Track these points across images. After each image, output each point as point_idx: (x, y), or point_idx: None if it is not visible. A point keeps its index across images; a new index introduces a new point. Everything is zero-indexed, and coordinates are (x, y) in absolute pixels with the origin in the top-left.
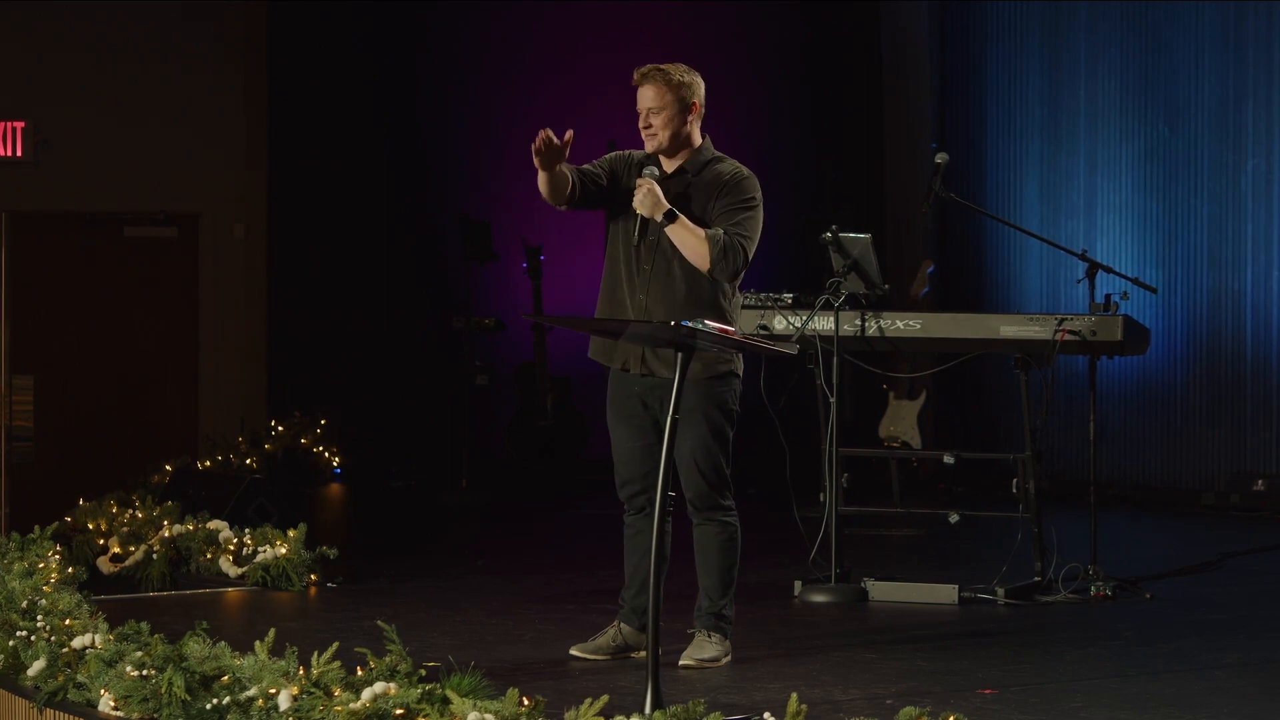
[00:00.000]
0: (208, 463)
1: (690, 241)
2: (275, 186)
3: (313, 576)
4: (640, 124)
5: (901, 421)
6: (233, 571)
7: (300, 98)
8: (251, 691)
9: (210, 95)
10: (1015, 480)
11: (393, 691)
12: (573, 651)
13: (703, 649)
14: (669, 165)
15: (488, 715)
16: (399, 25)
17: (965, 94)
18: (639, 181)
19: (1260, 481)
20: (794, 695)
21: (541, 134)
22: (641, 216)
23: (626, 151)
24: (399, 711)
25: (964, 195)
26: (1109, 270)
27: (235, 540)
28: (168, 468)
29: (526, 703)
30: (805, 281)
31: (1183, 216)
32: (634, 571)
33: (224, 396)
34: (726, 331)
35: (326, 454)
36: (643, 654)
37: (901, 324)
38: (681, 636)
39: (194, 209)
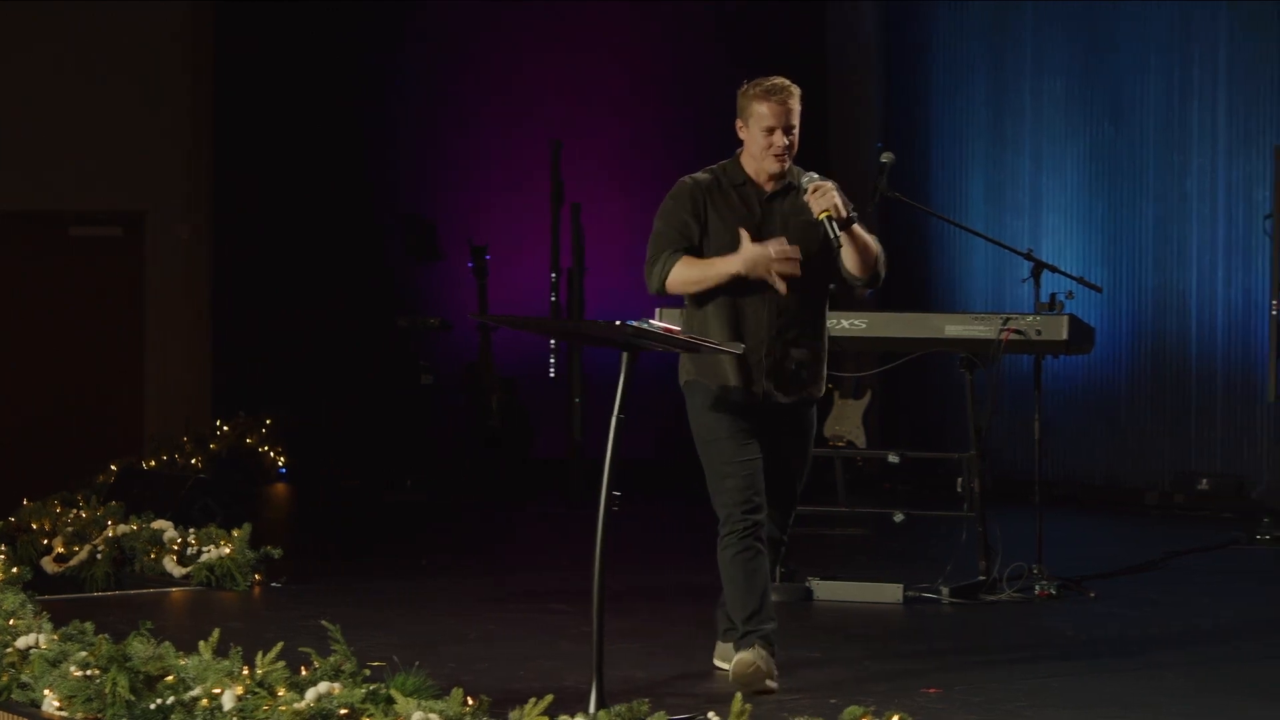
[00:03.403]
0: (152, 462)
1: (868, 247)
2: (220, 186)
3: (257, 576)
4: (773, 140)
5: (846, 421)
6: (177, 571)
7: (246, 98)
8: (196, 691)
9: (156, 95)
10: (960, 479)
11: (337, 691)
12: (730, 665)
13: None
14: (769, 183)
15: (432, 715)
16: (346, 26)
17: (911, 93)
18: (816, 184)
19: (1204, 481)
20: (738, 694)
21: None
22: (830, 220)
23: (686, 183)
24: (343, 711)
25: (909, 194)
26: (1054, 270)
27: (180, 540)
28: (113, 467)
29: (471, 702)
30: None
31: (1128, 216)
32: (762, 594)
33: (169, 396)
34: (672, 331)
35: (271, 454)
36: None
37: (846, 323)
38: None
39: (139, 208)
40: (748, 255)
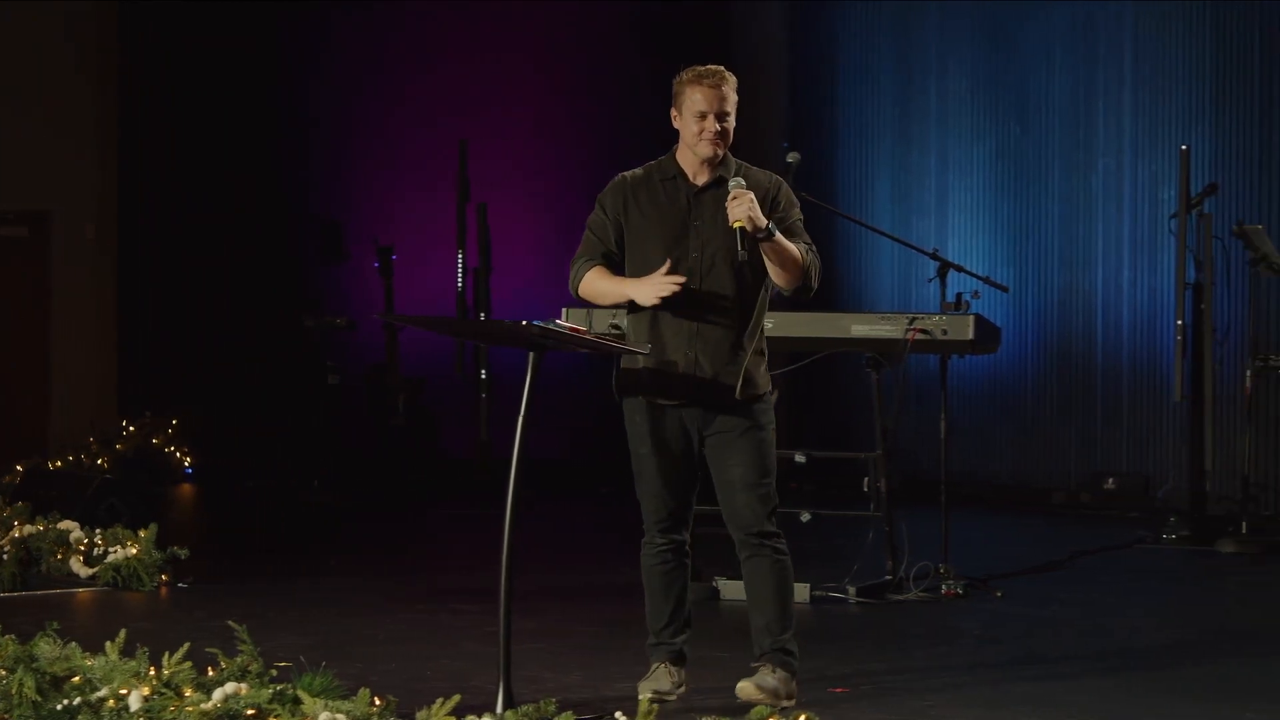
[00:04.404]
0: (58, 463)
1: (789, 258)
2: (127, 186)
3: (164, 577)
4: (704, 126)
5: None
6: (83, 572)
7: (152, 98)
8: (103, 692)
9: (60, 94)
10: (867, 479)
11: (244, 692)
12: (646, 696)
13: (765, 679)
14: (701, 175)
15: (339, 715)
16: (253, 26)
17: (817, 93)
18: (737, 192)
19: (1111, 480)
20: (644, 695)
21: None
22: (742, 232)
23: (616, 180)
24: (250, 712)
25: (816, 195)
26: (960, 269)
27: (86, 541)
28: (18, 468)
29: (378, 702)
30: None
31: (1034, 216)
32: (675, 610)
33: (75, 396)
34: (578, 331)
35: (178, 454)
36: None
37: None
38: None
39: (45, 208)
40: (641, 289)
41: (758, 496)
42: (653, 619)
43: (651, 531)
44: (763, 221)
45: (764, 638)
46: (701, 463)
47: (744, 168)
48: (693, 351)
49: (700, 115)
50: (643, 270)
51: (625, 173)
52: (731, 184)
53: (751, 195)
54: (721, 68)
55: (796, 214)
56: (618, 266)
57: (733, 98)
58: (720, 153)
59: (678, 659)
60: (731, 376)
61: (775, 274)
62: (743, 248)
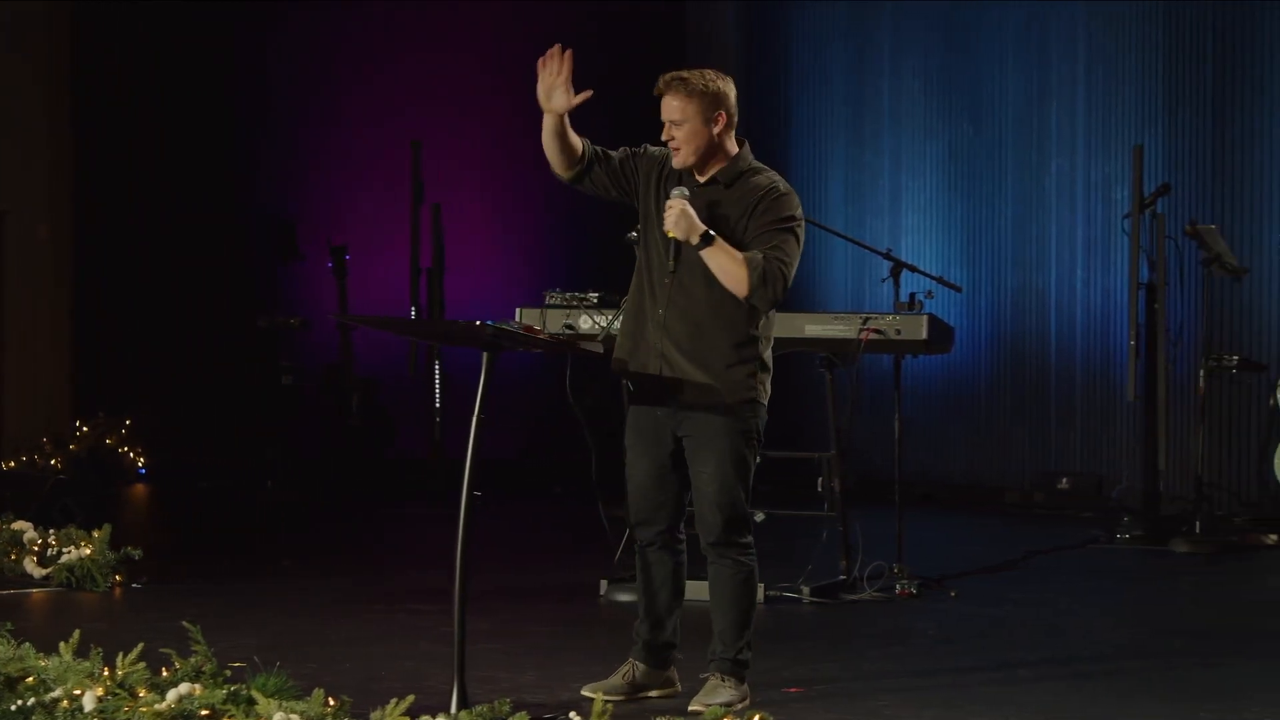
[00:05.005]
0: (12, 463)
1: (728, 267)
2: (80, 185)
3: (117, 577)
4: (664, 137)
5: None
6: (37, 572)
7: (106, 98)
8: (56, 693)
9: (12, 93)
10: (821, 479)
11: (198, 692)
12: (585, 692)
13: (715, 693)
14: (699, 177)
15: (293, 715)
16: (207, 25)
17: (770, 93)
18: (669, 203)
19: (1064, 480)
20: (599, 695)
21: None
22: (675, 239)
23: (659, 150)
24: (204, 712)
25: None
26: (913, 269)
27: (40, 541)
28: None
29: (332, 703)
30: (612, 281)
31: (987, 216)
32: (649, 605)
33: (29, 397)
34: (532, 331)
35: (132, 454)
36: (658, 692)
37: None
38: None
39: None
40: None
41: (718, 505)
42: (639, 612)
43: (633, 529)
44: (699, 229)
45: (717, 644)
46: (683, 462)
47: (753, 170)
48: (659, 344)
49: (664, 125)
50: (646, 251)
51: (666, 151)
52: (675, 192)
53: (682, 207)
54: (675, 74)
55: (779, 221)
56: (591, 157)
57: (685, 105)
58: (677, 163)
59: (644, 656)
60: (701, 376)
61: (721, 281)
62: (669, 257)
